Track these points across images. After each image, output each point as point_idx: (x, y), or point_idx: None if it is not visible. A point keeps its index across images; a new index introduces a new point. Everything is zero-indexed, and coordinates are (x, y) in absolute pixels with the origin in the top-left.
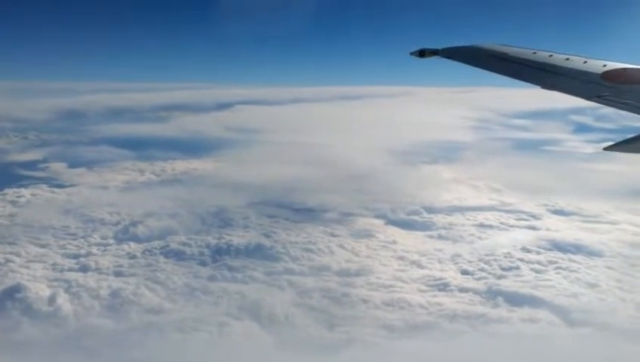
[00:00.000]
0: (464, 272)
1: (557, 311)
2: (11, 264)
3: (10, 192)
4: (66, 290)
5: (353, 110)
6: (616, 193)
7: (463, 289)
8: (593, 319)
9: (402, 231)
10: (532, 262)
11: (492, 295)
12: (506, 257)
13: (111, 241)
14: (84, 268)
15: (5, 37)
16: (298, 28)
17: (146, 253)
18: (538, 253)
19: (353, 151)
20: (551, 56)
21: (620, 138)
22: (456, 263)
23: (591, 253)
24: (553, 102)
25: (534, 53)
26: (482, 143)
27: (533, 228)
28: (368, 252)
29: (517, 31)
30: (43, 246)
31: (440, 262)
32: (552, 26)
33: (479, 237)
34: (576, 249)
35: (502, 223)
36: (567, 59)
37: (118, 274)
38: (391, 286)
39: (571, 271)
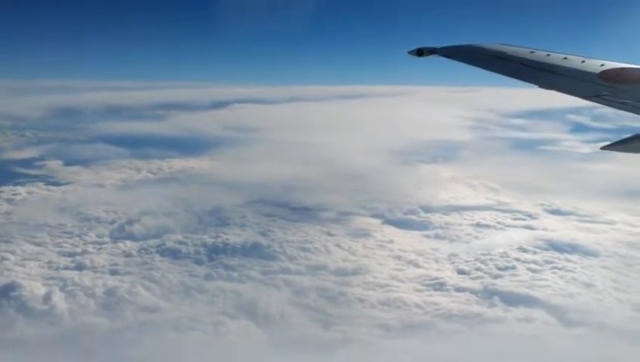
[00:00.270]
0: (460, 272)
1: (553, 310)
2: (6, 262)
3: (7, 190)
4: (62, 289)
5: (351, 109)
6: (613, 193)
7: (459, 289)
8: (589, 319)
9: (399, 231)
10: (528, 262)
11: (488, 294)
12: (502, 257)
13: (107, 240)
14: (79, 267)
15: (2, 35)
16: (296, 26)
17: (142, 251)
18: (534, 252)
19: (351, 151)
20: (549, 55)
21: (617, 138)
22: (453, 263)
23: (587, 252)
24: (551, 102)
25: (532, 52)
26: (479, 143)
27: (529, 227)
28: (365, 251)
29: (515, 30)
30: (38, 244)
31: (436, 261)
32: (550, 25)
33: (476, 237)
34: (573, 249)
35: (498, 223)
36: (565, 58)
37: (113, 273)
38: (387, 285)
39: (567, 270)
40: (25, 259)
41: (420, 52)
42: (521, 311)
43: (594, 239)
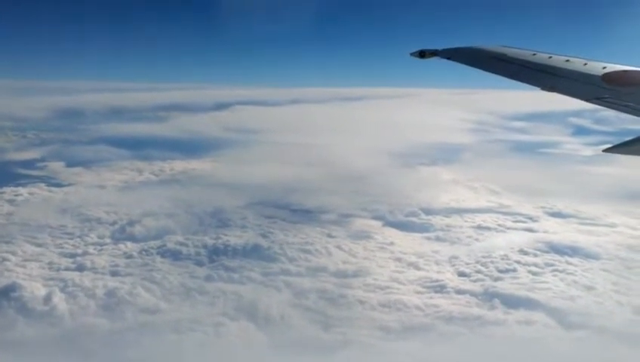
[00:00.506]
0: (461, 274)
1: (553, 313)
2: (7, 263)
3: (8, 191)
4: (62, 289)
5: (352, 111)
6: (614, 195)
7: (459, 291)
8: (589, 322)
9: (400, 233)
10: (529, 265)
11: (488, 297)
12: (503, 259)
13: (108, 241)
14: (80, 268)
15: (4, 36)
16: (298, 28)
17: (143, 252)
18: (535, 255)
19: (352, 153)
20: (551, 57)
21: (619, 140)
22: (454, 265)
23: (588, 255)
24: (552, 105)
25: (534, 54)
26: (481, 145)
27: (530, 230)
28: (365, 253)
29: (517, 32)
30: (39, 245)
31: (437, 263)
32: (552, 27)
33: (476, 239)
34: (573, 251)
35: (499, 225)
36: (567, 60)
37: (114, 274)
38: (388, 287)
39: (568, 273)
40: (26, 260)
41: (421, 54)
42: (521, 314)
43: (595, 242)
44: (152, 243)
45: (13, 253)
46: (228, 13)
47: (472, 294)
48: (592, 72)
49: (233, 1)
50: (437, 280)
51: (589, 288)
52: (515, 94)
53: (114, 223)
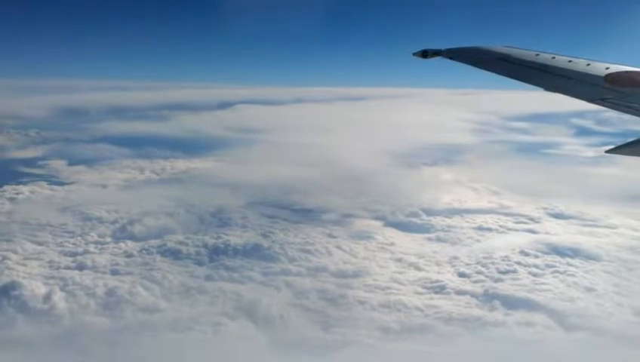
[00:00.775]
0: (461, 275)
1: (553, 315)
2: (8, 261)
3: (9, 189)
4: (62, 288)
5: (354, 111)
6: (616, 197)
7: (459, 292)
8: (590, 323)
9: (401, 233)
10: (529, 266)
11: (489, 298)
12: (503, 260)
13: (108, 240)
14: (80, 266)
15: (6, 34)
16: (300, 28)
17: (143, 251)
18: (536, 256)
19: (353, 153)
20: (554, 58)
21: (621, 141)
22: (454, 266)
23: (589, 257)
24: (554, 105)
25: (537, 55)
26: (482, 146)
27: (531, 231)
28: (366, 253)
29: (520, 33)
30: (40, 243)
31: (437, 264)
32: (556, 28)
33: (477, 240)
34: (575, 253)
35: (500, 226)
36: (570, 61)
37: (114, 273)
38: (388, 287)
39: (569, 275)
40: (26, 259)
41: (424, 54)
42: (521, 315)
43: (596, 243)
44: (153, 242)
45: (14, 252)
46: (231, 11)
47: (473, 295)
48: (594, 73)
49: (236, 0)
50: (437, 281)
51: (590, 289)
52: (518, 95)
53: (115, 222)
